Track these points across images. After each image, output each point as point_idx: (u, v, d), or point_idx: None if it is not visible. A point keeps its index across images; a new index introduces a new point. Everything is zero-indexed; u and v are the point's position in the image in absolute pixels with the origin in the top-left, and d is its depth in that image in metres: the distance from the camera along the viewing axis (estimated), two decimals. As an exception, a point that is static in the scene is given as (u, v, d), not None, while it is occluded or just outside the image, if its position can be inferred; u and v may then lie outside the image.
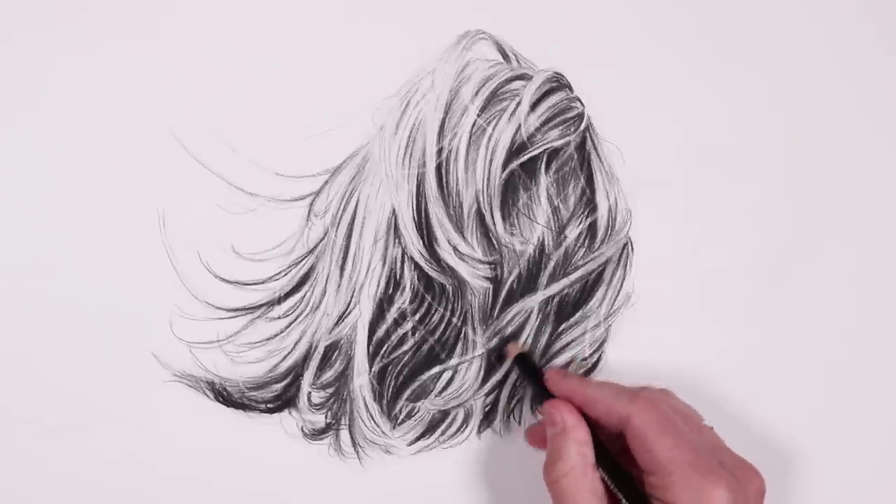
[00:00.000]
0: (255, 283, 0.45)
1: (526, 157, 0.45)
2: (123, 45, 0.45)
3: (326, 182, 0.45)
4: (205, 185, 0.45)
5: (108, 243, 0.45)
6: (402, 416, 0.46)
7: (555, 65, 0.46)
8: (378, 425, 0.46)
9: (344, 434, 0.46)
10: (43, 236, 0.45)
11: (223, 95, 0.45)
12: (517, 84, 0.46)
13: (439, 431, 0.47)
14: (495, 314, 0.46)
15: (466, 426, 0.47)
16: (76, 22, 0.44)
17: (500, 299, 0.46)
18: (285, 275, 0.45)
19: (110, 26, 0.45)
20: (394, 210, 0.45)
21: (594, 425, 0.41)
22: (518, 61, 0.46)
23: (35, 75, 0.44)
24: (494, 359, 0.46)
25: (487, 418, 0.47)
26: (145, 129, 0.45)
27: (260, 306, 0.45)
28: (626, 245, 0.47)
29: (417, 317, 0.45)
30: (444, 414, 0.46)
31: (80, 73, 0.44)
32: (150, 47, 0.45)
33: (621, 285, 0.47)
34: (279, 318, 0.46)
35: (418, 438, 0.47)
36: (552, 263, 0.46)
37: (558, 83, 0.46)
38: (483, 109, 0.45)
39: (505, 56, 0.46)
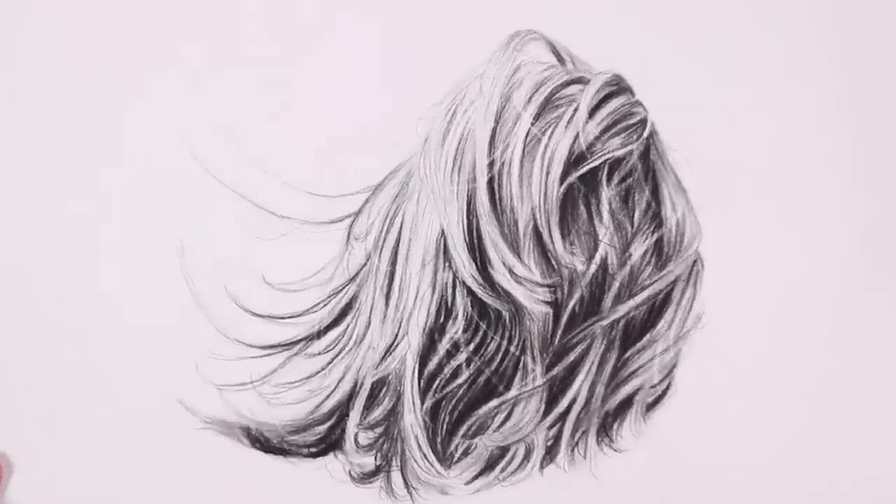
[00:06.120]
0: (290, 317, 0.40)
1: (585, 169, 0.40)
2: (134, 54, 0.40)
3: (367, 201, 0.41)
4: (229, 208, 0.39)
5: (123, 277, 0.40)
6: (458, 454, 0.41)
7: (614, 66, 0.41)
8: (432, 465, 0.41)
9: (396, 476, 0.41)
10: (52, 267, 0.39)
11: (248, 107, 0.40)
12: (573, 88, 0.40)
13: (499, 468, 0.42)
14: (556, 341, 0.41)
15: (528, 462, 0.42)
16: (90, 38, 0.40)
17: (562, 325, 0.40)
18: (324, 306, 0.41)
19: (122, 36, 0.40)
20: (442, 230, 0.40)
21: None
22: (574, 63, 0.41)
23: (44, 91, 0.40)
24: (556, 389, 0.41)
25: (550, 453, 0.42)
26: (159, 146, 0.39)
27: (297, 342, 0.40)
28: (695, 262, 0.42)
29: (472, 347, 0.40)
30: (504, 450, 0.41)
31: (86, 85, 0.39)
32: (163, 53, 0.39)
33: (691, 305, 0.42)
34: (319, 353, 0.41)
35: (477, 477, 0.41)
36: (616, 284, 0.41)
37: (618, 86, 0.41)
38: (537, 117, 0.40)
39: (559, 58, 0.41)
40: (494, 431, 0.41)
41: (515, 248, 0.40)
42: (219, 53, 0.40)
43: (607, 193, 0.41)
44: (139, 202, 0.39)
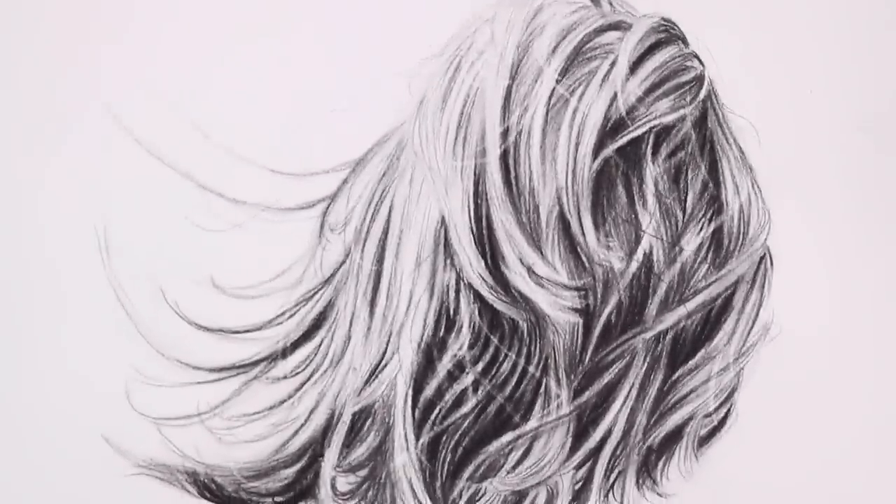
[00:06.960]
0: (247, 331, 0.38)
1: (625, 140, 0.36)
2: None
3: (346, 181, 0.38)
4: (167, 190, 0.35)
5: (29, 280, 0.34)
6: (462, 502, 0.37)
7: (662, 8, 0.36)
8: (430, 516, 0.37)
9: (384, 531, 0.37)
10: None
11: (190, 58, 0.34)
12: (610, 36, 0.36)
13: (514, 519, 0.38)
14: (587, 358, 0.36)
15: (550, 510, 0.38)
16: None
17: (594, 338, 0.36)
18: (291, 316, 0.39)
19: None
20: (443, 219, 0.36)
21: None
22: (611, 3, 0.38)
23: None
24: (587, 419, 0.37)
25: (579, 499, 0.37)
26: (76, 111, 0.34)
27: (257, 362, 0.38)
28: (763, 259, 0.38)
29: (480, 367, 0.36)
30: (520, 496, 0.37)
31: None
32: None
33: (757, 313, 0.38)
34: (286, 377, 0.39)
35: (486, 530, 0.38)
36: (664, 286, 0.36)
37: (668, 34, 0.37)
38: (564, 73, 0.36)
39: (593, -4, 0.37)
40: (509, 473, 0.37)
41: (536, 241, 0.35)
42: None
43: (653, 171, 0.36)
44: (51, 181, 0.34)
